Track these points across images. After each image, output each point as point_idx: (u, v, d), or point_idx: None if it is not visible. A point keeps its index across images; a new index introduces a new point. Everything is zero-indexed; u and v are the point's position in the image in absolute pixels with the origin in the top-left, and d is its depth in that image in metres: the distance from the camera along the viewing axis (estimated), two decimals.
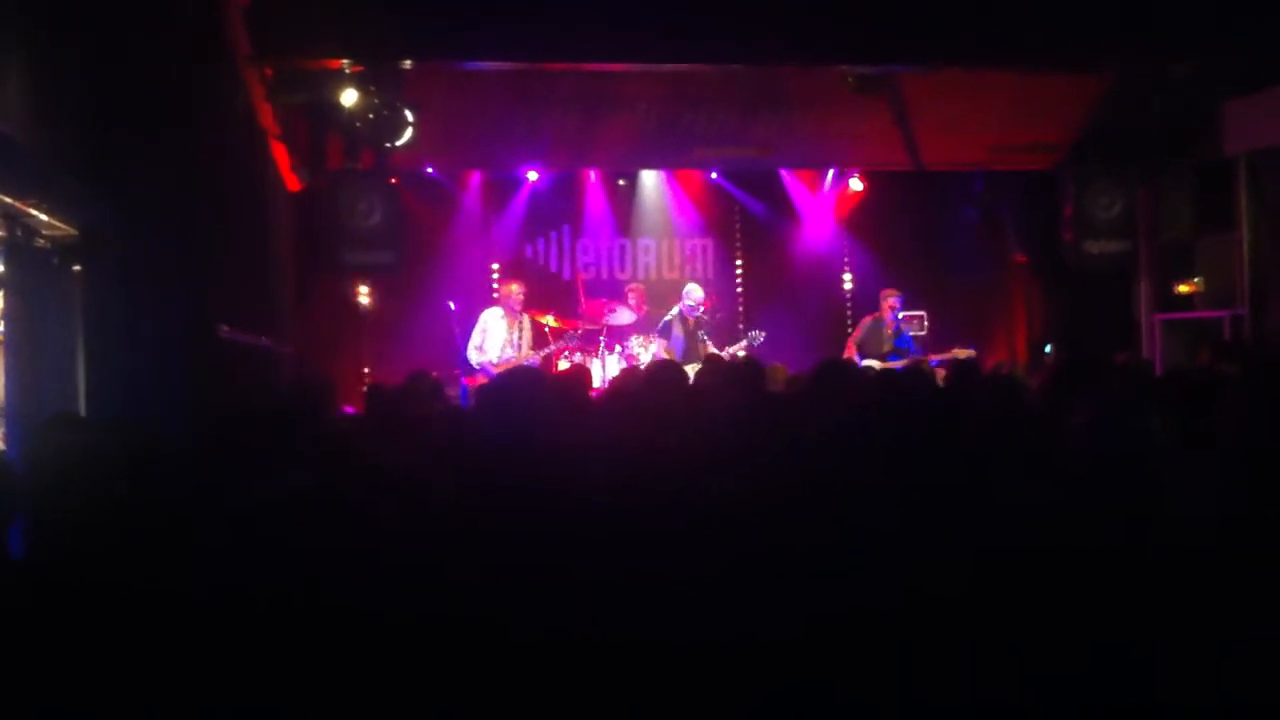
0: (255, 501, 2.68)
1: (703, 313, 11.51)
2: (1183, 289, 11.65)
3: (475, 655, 2.31)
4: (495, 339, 11.18)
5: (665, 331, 11.44)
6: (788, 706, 2.30)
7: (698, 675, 2.29)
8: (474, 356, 11.15)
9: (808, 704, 2.30)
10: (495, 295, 12.00)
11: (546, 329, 11.58)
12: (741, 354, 11.17)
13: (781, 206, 14.00)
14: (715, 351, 11.01)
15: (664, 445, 3.17)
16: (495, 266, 13.37)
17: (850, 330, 12.53)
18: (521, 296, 11.32)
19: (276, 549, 2.53)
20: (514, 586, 2.43)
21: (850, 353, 11.49)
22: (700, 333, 11.37)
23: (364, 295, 12.32)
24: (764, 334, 11.60)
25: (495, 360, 11.02)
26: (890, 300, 11.67)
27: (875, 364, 11.03)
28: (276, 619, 2.37)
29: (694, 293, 11.52)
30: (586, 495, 2.63)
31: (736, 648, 2.30)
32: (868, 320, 11.87)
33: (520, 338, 11.24)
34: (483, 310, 11.50)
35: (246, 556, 2.55)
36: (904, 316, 12.12)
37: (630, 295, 12.33)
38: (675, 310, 11.53)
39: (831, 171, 13.67)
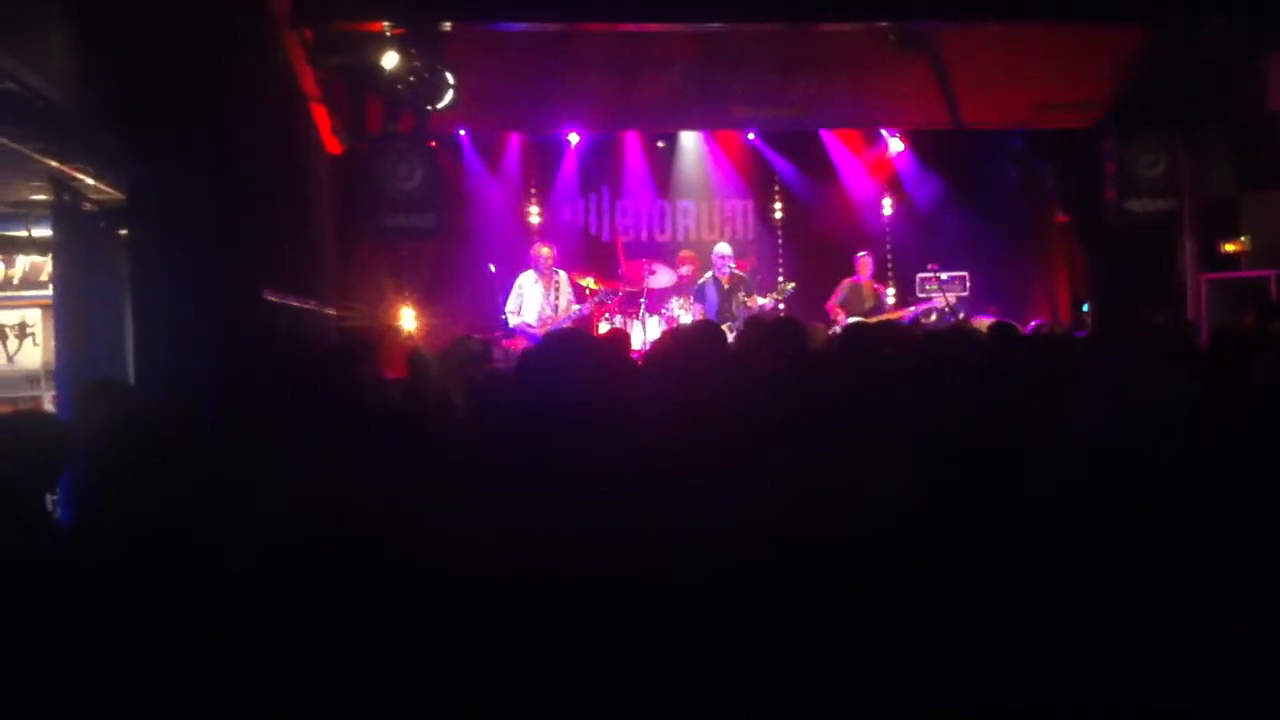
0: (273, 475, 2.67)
1: (736, 270, 11.61)
2: (1229, 248, 11.48)
3: (504, 650, 2.31)
4: (531, 301, 11.30)
5: (700, 295, 11.57)
6: (822, 696, 2.31)
7: (732, 665, 2.30)
8: (511, 320, 11.25)
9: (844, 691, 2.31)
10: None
11: (587, 291, 11.64)
12: (770, 304, 11.50)
13: (822, 167, 13.92)
14: (756, 312, 11.07)
15: (706, 407, 3.18)
16: (535, 220, 13.34)
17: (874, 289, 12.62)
18: (552, 258, 11.42)
19: (289, 528, 2.53)
20: (540, 568, 2.42)
21: (835, 314, 11.73)
22: (740, 293, 11.42)
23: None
24: (794, 284, 11.82)
25: (533, 322, 11.12)
26: (865, 261, 12.30)
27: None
28: (289, 604, 2.38)
29: (721, 249, 11.68)
30: (630, 466, 2.63)
31: (776, 637, 2.31)
32: (846, 282, 12.26)
33: (557, 298, 11.32)
34: (519, 273, 11.59)
35: (264, 536, 2.55)
36: (923, 277, 12.50)
37: (684, 264, 12.35)
38: (709, 274, 11.63)
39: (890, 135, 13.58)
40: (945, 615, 2.32)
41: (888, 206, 13.91)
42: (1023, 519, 2.51)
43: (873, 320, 11.45)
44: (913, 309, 12.13)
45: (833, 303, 12.13)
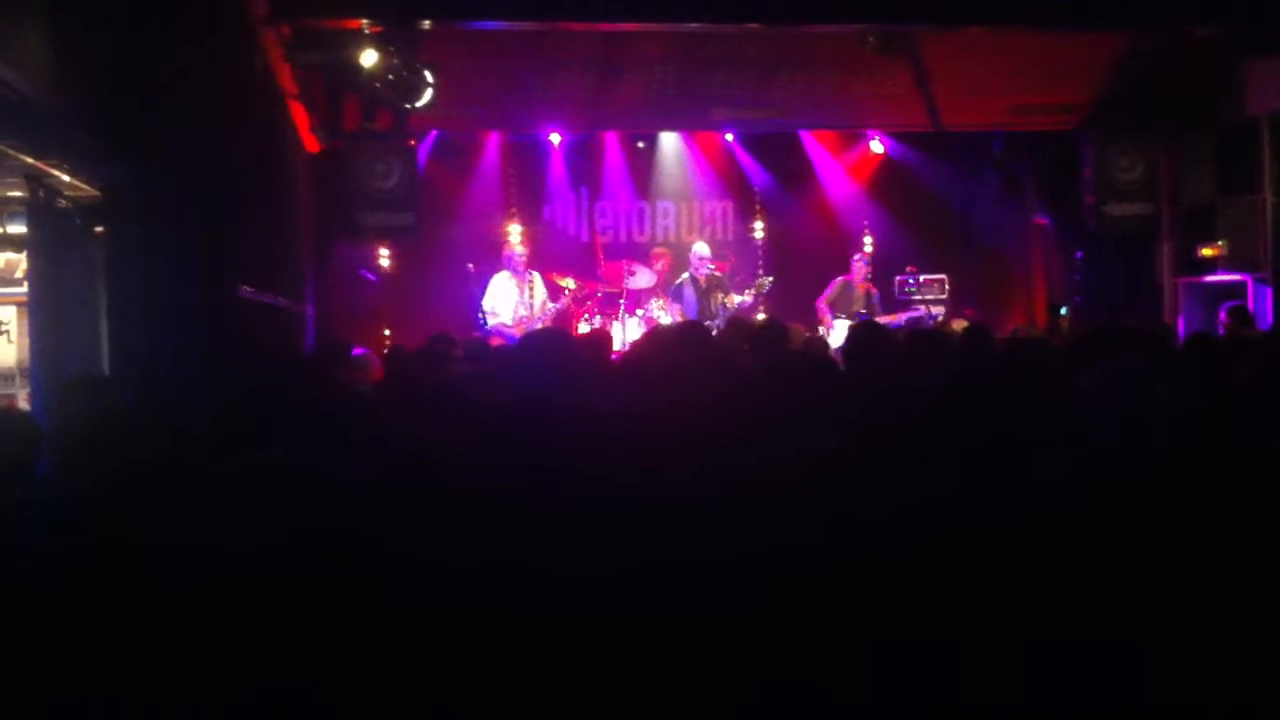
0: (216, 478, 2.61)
1: (715, 271, 11.61)
2: (1206, 252, 11.52)
3: (484, 651, 2.28)
4: (506, 302, 11.30)
5: (677, 294, 11.59)
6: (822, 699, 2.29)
7: (722, 667, 2.28)
8: (489, 320, 11.24)
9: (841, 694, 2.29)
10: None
11: (566, 291, 11.63)
12: (749, 300, 11.60)
13: (801, 168, 13.94)
14: (736, 311, 11.10)
15: (687, 408, 3.17)
16: (518, 229, 13.33)
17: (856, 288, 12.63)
18: (525, 257, 11.44)
19: (268, 526, 2.47)
20: (527, 568, 2.39)
21: (822, 312, 11.73)
22: (718, 293, 11.44)
23: (384, 258, 12.38)
24: (771, 279, 11.81)
25: (509, 321, 11.11)
26: (860, 262, 12.28)
27: (847, 322, 11.20)
28: (270, 603, 2.34)
29: (699, 249, 11.69)
30: (609, 464, 2.61)
31: (770, 635, 2.29)
32: (839, 280, 12.24)
33: (531, 296, 11.33)
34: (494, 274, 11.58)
35: (243, 533, 2.50)
36: (901, 279, 12.65)
37: (657, 261, 12.36)
38: (686, 274, 11.65)
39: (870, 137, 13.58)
40: (941, 615, 2.31)
41: (867, 208, 13.90)
42: (1017, 519, 2.51)
43: (835, 321, 11.57)
44: (901, 316, 12.13)
45: (823, 300, 12.08)
